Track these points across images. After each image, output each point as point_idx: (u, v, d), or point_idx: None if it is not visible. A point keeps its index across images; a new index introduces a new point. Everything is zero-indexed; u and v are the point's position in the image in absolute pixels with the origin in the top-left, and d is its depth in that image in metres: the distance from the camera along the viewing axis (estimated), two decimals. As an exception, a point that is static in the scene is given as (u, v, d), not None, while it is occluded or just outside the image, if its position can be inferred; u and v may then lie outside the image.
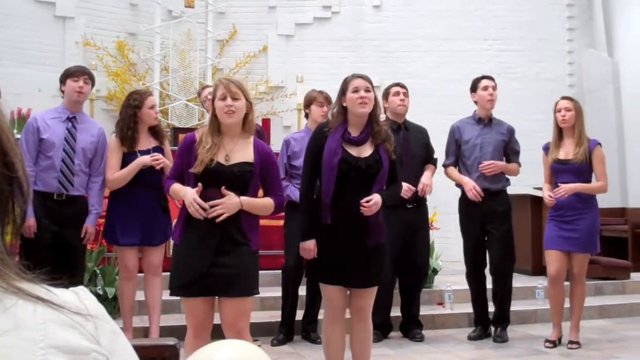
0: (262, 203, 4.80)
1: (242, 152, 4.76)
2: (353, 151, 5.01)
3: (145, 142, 6.50)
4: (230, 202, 4.59)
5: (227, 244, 4.63)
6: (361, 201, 4.87)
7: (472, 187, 7.27)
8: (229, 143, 4.73)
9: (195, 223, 4.63)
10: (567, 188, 6.86)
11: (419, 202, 7.26)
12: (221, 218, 4.56)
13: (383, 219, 5.10)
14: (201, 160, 4.61)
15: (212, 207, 4.56)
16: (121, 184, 6.38)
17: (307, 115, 7.31)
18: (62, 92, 6.48)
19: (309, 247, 5.03)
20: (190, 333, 4.74)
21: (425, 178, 7.25)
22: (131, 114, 6.44)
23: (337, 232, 4.95)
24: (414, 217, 7.22)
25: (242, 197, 4.65)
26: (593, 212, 7.04)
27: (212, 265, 4.57)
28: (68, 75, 6.42)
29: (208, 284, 4.59)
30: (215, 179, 4.58)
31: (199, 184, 4.56)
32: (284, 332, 7.18)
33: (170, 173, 4.94)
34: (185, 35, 12.39)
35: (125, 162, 6.41)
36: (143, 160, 6.34)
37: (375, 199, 4.90)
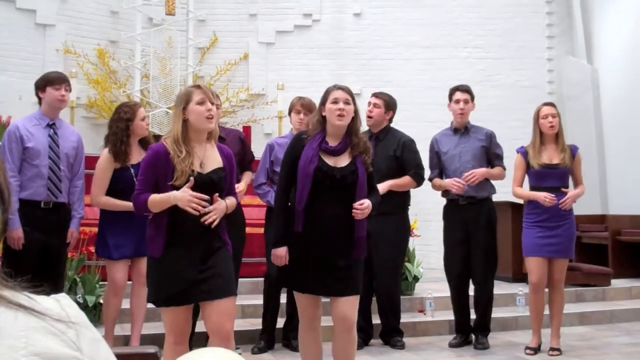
0: (234, 203, 4.87)
1: (213, 158, 4.77)
2: (330, 161, 5.00)
3: (137, 155, 6.35)
4: (220, 207, 4.64)
5: (209, 249, 4.64)
6: (354, 204, 4.88)
7: (453, 182, 7.26)
8: (199, 150, 4.70)
9: (179, 233, 4.61)
10: (573, 195, 6.92)
11: (381, 211, 6.96)
12: (215, 223, 4.59)
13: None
14: (182, 171, 4.55)
15: (203, 214, 4.56)
16: (108, 208, 6.34)
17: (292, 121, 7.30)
18: (39, 97, 6.37)
19: (280, 254, 5.02)
20: (171, 340, 4.70)
21: (381, 184, 6.76)
22: (123, 127, 6.32)
23: (309, 240, 4.94)
24: (377, 226, 6.76)
25: (227, 201, 4.70)
26: (572, 218, 7.09)
27: (198, 272, 4.57)
28: (49, 82, 6.29)
29: (195, 292, 4.58)
30: (196, 188, 4.55)
31: (191, 179, 4.52)
32: (265, 340, 7.14)
33: (141, 187, 4.71)
34: (166, 42, 12.37)
35: (117, 177, 6.31)
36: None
37: (367, 202, 4.92)
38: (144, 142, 6.48)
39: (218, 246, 4.70)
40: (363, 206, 4.89)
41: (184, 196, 4.50)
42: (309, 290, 5.04)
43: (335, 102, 5.00)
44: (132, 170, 6.27)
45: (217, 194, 4.60)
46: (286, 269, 5.06)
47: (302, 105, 7.02)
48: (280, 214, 5.13)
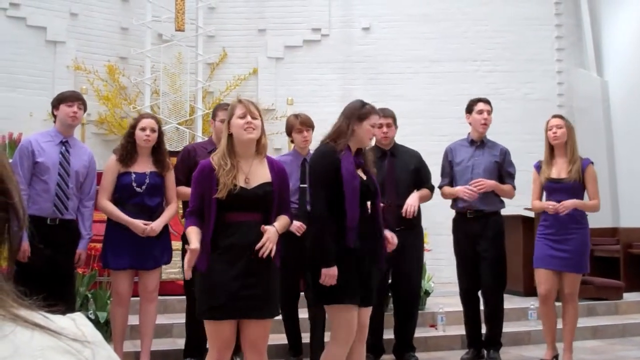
0: (286, 222, 4.84)
1: (260, 172, 4.78)
2: (361, 174, 5.11)
3: (143, 165, 6.43)
4: (272, 235, 4.61)
5: (255, 263, 4.60)
6: (388, 239, 5.15)
7: (465, 189, 7.22)
8: (245, 165, 4.74)
9: (225, 246, 4.63)
10: (567, 204, 6.85)
11: (407, 225, 6.97)
12: (273, 251, 4.60)
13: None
14: (224, 184, 4.59)
15: (258, 249, 4.55)
16: (106, 214, 6.42)
17: (292, 141, 7.25)
18: (54, 116, 6.45)
19: (333, 274, 4.90)
20: (214, 354, 4.68)
21: (410, 199, 6.95)
22: (127, 134, 6.50)
23: (359, 255, 5.00)
24: (402, 240, 6.88)
25: (276, 225, 4.69)
26: (584, 231, 7.01)
27: (243, 287, 4.56)
28: (62, 100, 6.39)
29: (238, 307, 4.58)
30: (240, 203, 4.60)
31: (197, 248, 4.57)
32: (292, 355, 7.09)
33: (191, 205, 4.79)
34: (176, 58, 12.43)
35: (118, 181, 6.38)
36: (135, 226, 6.26)
37: (395, 238, 5.23)
38: (157, 160, 6.51)
39: (266, 260, 4.65)
40: (395, 240, 5.18)
41: (189, 255, 4.60)
42: (362, 302, 5.04)
43: (374, 125, 5.21)
44: (134, 176, 6.38)
45: (263, 226, 4.60)
46: (336, 285, 4.97)
47: (302, 124, 6.97)
48: (327, 232, 5.00)
